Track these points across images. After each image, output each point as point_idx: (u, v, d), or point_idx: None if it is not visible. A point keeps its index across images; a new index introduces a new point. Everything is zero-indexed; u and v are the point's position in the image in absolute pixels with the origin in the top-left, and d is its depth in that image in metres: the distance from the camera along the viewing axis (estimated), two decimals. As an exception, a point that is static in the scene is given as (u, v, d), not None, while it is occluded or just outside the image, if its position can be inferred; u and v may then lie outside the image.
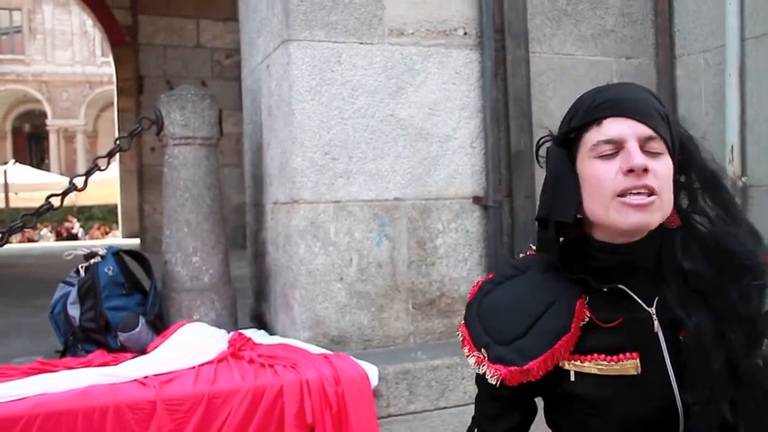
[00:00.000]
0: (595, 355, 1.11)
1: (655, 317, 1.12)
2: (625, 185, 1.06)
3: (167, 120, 3.08)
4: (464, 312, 1.22)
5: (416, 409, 2.66)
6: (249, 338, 2.90)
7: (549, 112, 3.29)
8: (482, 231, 3.11)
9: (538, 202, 1.19)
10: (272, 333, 3.15)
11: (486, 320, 1.16)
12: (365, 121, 2.95)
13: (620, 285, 1.12)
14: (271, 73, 3.15)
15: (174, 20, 9.50)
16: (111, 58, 11.36)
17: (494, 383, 1.13)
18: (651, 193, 1.06)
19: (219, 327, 3.00)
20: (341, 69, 2.93)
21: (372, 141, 2.96)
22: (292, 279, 2.90)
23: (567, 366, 1.12)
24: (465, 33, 3.15)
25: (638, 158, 1.05)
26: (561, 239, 1.17)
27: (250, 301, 3.59)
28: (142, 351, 2.79)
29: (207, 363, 2.59)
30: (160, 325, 2.98)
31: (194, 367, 2.54)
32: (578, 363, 1.11)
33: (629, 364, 1.10)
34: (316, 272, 2.87)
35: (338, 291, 2.90)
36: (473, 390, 2.75)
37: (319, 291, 2.88)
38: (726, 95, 3.17)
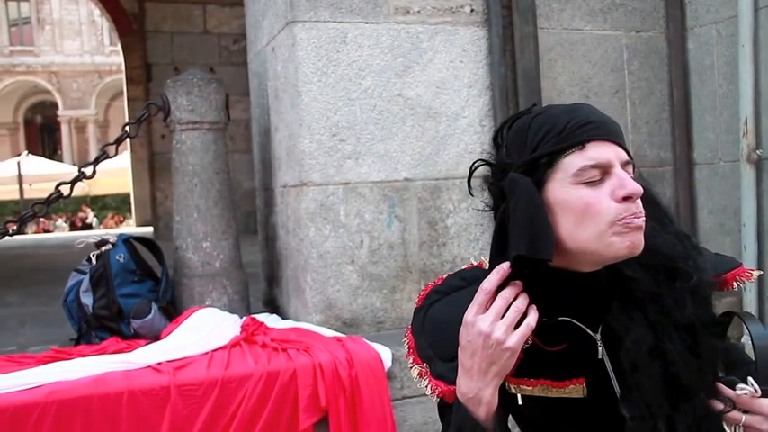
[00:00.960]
0: (542, 379, 1.08)
1: (600, 343, 1.10)
2: (624, 213, 1.01)
3: (174, 105, 3.07)
4: (412, 317, 1.19)
5: (431, 390, 2.65)
6: (262, 323, 2.90)
7: (558, 89, 3.25)
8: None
9: (494, 238, 1.10)
10: (284, 317, 3.15)
11: (430, 333, 1.13)
12: (372, 102, 2.93)
13: (563, 318, 1.09)
14: (276, 55, 3.13)
15: (180, 6, 9.48)
16: (119, 47, 11.35)
17: (434, 399, 1.11)
18: (640, 216, 1.04)
19: (232, 312, 3.00)
20: (347, 50, 2.90)
21: (380, 122, 2.94)
22: (303, 262, 2.89)
23: (513, 390, 1.10)
24: (472, 10, 3.11)
25: (634, 184, 1.02)
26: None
27: (262, 286, 3.59)
28: (155, 337, 2.80)
29: (220, 348, 2.59)
30: (173, 311, 2.99)
31: (208, 352, 2.54)
32: (524, 387, 1.09)
33: (575, 389, 1.09)
34: (327, 254, 2.86)
35: (350, 273, 2.89)
36: (487, 369, 2.73)
37: (331, 273, 2.87)
38: (739, 67, 3.11)
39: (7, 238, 3.08)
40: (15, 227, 3.03)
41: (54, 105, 30.65)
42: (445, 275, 1.22)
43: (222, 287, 3.08)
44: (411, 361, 1.14)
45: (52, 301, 3.77)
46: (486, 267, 1.16)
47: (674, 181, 3.45)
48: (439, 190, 3.02)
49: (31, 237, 13.86)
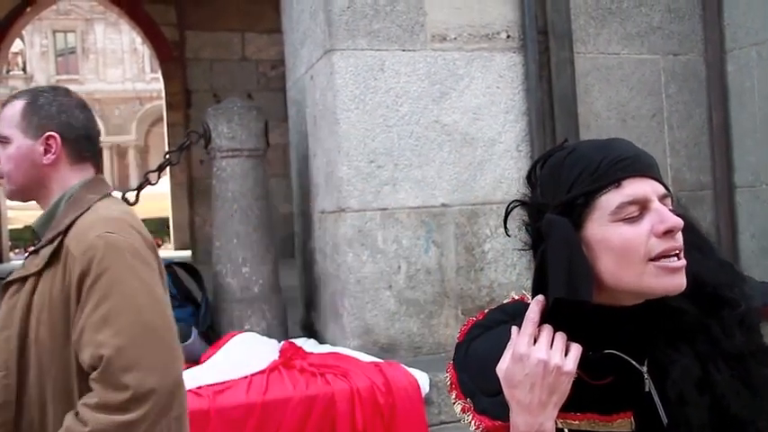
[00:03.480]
0: (588, 414, 1.05)
1: (646, 376, 1.08)
2: (663, 248, 1.00)
3: (215, 133, 3.13)
4: (453, 352, 1.17)
5: (469, 417, 2.64)
6: (300, 347, 2.92)
7: (595, 113, 3.25)
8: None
9: (534, 277, 1.08)
10: (322, 342, 3.17)
11: (473, 368, 1.11)
12: (410, 128, 2.95)
13: (609, 351, 1.07)
14: (315, 83, 3.18)
15: (219, 34, 9.67)
16: (159, 74, 11.61)
17: None
18: (680, 254, 1.02)
19: (270, 336, 3.03)
20: (384, 77, 2.94)
21: (417, 148, 2.96)
22: (341, 287, 2.91)
23: (559, 425, 1.05)
24: (508, 36, 3.13)
25: (673, 218, 1.01)
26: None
27: (300, 311, 3.61)
28: (195, 362, 2.83)
29: (259, 372, 2.61)
30: (212, 336, 3.03)
31: (247, 377, 2.57)
32: (571, 421, 1.06)
33: (623, 424, 1.06)
34: (364, 280, 2.88)
35: (387, 298, 2.90)
36: (526, 396, 2.71)
37: (368, 299, 2.88)
38: (780, 89, 3.08)
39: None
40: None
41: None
42: (486, 310, 1.21)
43: (261, 312, 3.11)
44: (454, 396, 1.13)
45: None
46: (525, 303, 1.17)
47: (715, 205, 3.41)
48: (476, 215, 3.03)
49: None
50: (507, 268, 3.05)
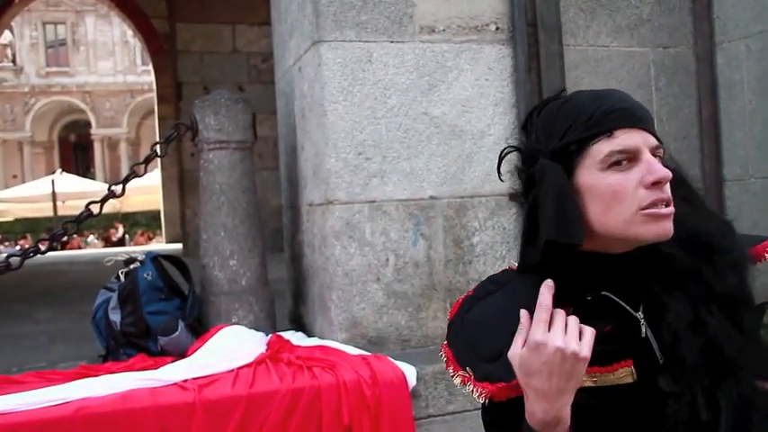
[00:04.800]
0: (589, 368, 1.05)
1: (642, 321, 1.09)
2: (651, 199, 1.03)
3: (202, 125, 3.11)
4: (446, 332, 1.17)
5: (456, 410, 2.64)
6: (287, 340, 2.91)
7: (585, 106, 3.23)
8: (519, 228, 3.06)
9: (524, 223, 1.12)
10: (309, 335, 3.16)
11: (470, 338, 1.11)
12: (398, 120, 2.94)
13: (604, 293, 1.09)
14: (303, 75, 3.16)
15: (210, 26, 9.62)
16: (150, 67, 11.56)
17: (484, 403, 1.08)
18: (669, 203, 1.05)
19: (258, 329, 3.01)
20: (372, 69, 2.92)
21: (406, 140, 2.94)
22: (329, 280, 2.90)
23: None
24: (497, 28, 3.12)
25: (663, 170, 1.04)
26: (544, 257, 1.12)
27: (288, 303, 3.60)
28: (182, 354, 2.82)
29: (245, 365, 2.60)
30: (199, 328, 3.01)
31: (233, 370, 2.56)
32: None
33: (623, 373, 1.07)
34: (352, 273, 2.87)
35: (375, 291, 2.89)
36: (513, 389, 2.71)
37: (356, 291, 2.87)
38: (769, 82, 3.07)
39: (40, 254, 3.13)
40: (47, 245, 3.08)
41: (87, 124, 31.24)
42: (473, 287, 1.21)
43: (248, 305, 3.10)
44: (452, 371, 1.12)
45: (83, 317, 3.82)
46: (513, 271, 1.20)
47: (704, 198, 3.40)
48: (465, 208, 3.02)
49: (64, 253, 14.07)
50: (496, 261, 3.04)
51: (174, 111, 9.77)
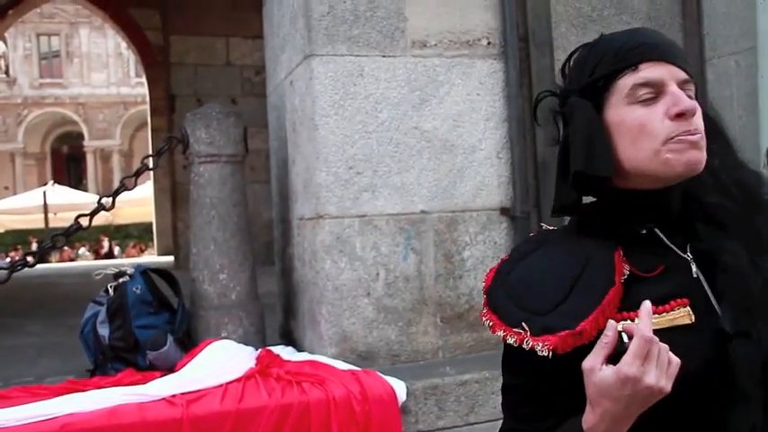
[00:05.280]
0: None
1: (692, 260, 1.08)
2: (677, 130, 1.03)
3: (193, 138, 3.10)
4: (483, 300, 1.13)
5: (446, 425, 2.62)
6: (277, 355, 2.89)
7: (576, 121, 3.24)
8: (510, 243, 3.06)
9: (558, 161, 1.13)
10: (299, 349, 3.14)
11: (518, 296, 1.07)
12: (389, 135, 2.94)
13: (655, 230, 1.09)
14: (294, 89, 3.16)
15: (203, 39, 9.62)
16: (144, 79, 11.56)
17: (545, 355, 1.02)
18: (696, 133, 1.04)
19: (247, 344, 2.99)
20: (363, 83, 2.92)
21: (397, 154, 2.94)
22: (319, 295, 2.89)
23: (619, 327, 1.00)
24: (489, 43, 3.13)
25: (688, 101, 1.03)
26: (583, 198, 1.12)
27: (279, 317, 3.58)
28: (170, 369, 2.79)
29: (234, 380, 2.58)
30: (188, 343, 2.99)
31: (222, 385, 2.54)
32: (627, 321, 1.01)
33: (681, 313, 1.03)
34: (342, 287, 2.85)
35: (365, 306, 2.88)
36: (503, 405, 2.69)
37: (346, 306, 2.85)
38: (759, 98, 3.09)
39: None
40: (35, 258, 3.06)
41: (80, 136, 31.18)
42: (504, 256, 1.18)
43: (238, 319, 3.08)
44: (502, 333, 1.07)
45: (72, 331, 3.79)
46: (550, 229, 1.19)
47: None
48: (455, 222, 3.01)
49: (54, 265, 14.00)
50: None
51: (168, 123, 9.75)
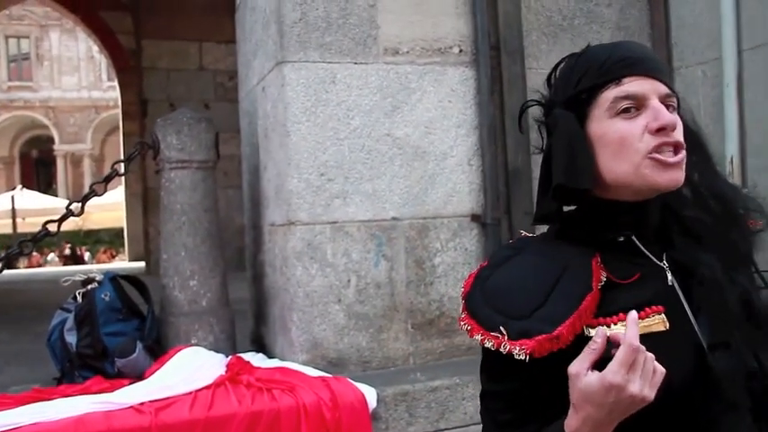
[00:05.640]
0: (621, 314, 1.03)
1: (667, 269, 1.10)
2: (656, 143, 1.04)
3: (164, 144, 3.08)
4: (462, 306, 1.14)
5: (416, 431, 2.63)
6: (247, 362, 2.88)
7: (546, 128, 3.27)
8: (481, 249, 3.08)
9: (541, 172, 1.14)
10: (270, 356, 3.12)
11: (496, 301, 1.08)
12: (361, 141, 2.94)
13: (633, 237, 1.10)
14: (266, 95, 3.15)
15: (176, 43, 9.57)
16: (116, 83, 11.44)
17: (522, 358, 1.02)
18: (678, 149, 1.05)
19: (218, 350, 2.97)
20: (336, 90, 2.92)
21: (369, 161, 2.95)
22: (290, 301, 2.88)
23: (592, 333, 1.03)
24: (460, 51, 3.15)
25: (669, 116, 1.05)
26: (563, 207, 1.14)
27: (251, 324, 3.56)
28: (140, 377, 2.77)
29: (204, 387, 2.56)
30: (158, 350, 2.96)
31: (191, 392, 2.52)
32: (604, 327, 1.03)
33: (656, 320, 1.05)
34: (313, 294, 2.85)
35: (336, 312, 2.87)
36: (474, 410, 2.71)
37: (317, 313, 2.85)
38: (724, 107, 3.15)
39: (-3, 273, 3.06)
40: (2, 264, 3.02)
41: (50, 140, 30.75)
42: (483, 263, 1.19)
43: (209, 325, 3.06)
44: (480, 337, 1.08)
45: (39, 338, 3.73)
46: (528, 236, 1.20)
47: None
48: (426, 229, 3.02)
49: (22, 271, 13.79)
50: (457, 282, 3.04)
51: (140, 127, 9.66)
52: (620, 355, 0.95)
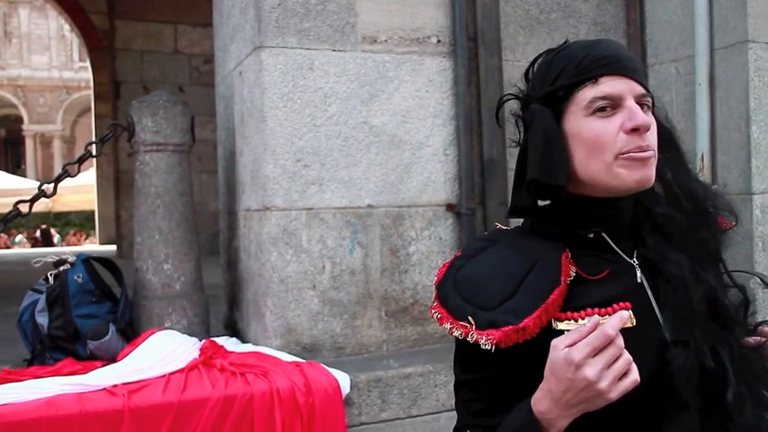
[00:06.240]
0: (588, 309, 1.06)
1: (637, 266, 1.12)
2: (630, 145, 1.06)
3: (139, 126, 3.06)
4: (434, 294, 1.16)
5: (388, 417, 2.66)
6: (221, 346, 2.88)
7: (521, 120, 3.31)
8: (455, 239, 3.11)
9: (517, 166, 1.16)
10: (244, 341, 3.13)
11: (467, 291, 1.11)
12: (338, 129, 2.95)
13: (603, 234, 1.12)
14: (243, 80, 3.14)
15: (151, 25, 9.45)
16: (88, 63, 11.27)
17: (488, 349, 1.05)
18: (650, 149, 1.08)
19: (191, 334, 2.98)
20: (313, 76, 2.93)
21: (345, 149, 2.96)
22: (264, 287, 2.89)
23: (559, 326, 1.06)
24: (438, 41, 3.17)
25: (643, 117, 1.06)
26: (538, 201, 1.16)
27: (224, 308, 3.56)
28: (112, 359, 2.76)
29: (177, 371, 2.57)
30: (131, 333, 2.96)
31: (164, 375, 2.52)
32: (571, 321, 1.06)
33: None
34: (288, 279, 2.86)
35: (311, 298, 2.89)
36: (446, 397, 2.75)
37: (291, 298, 2.86)
38: (696, 104, 3.20)
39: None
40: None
41: (19, 119, 30.20)
42: (458, 252, 1.21)
43: (182, 309, 3.06)
44: (449, 326, 1.10)
45: (8, 319, 3.70)
46: (503, 228, 1.23)
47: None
48: (402, 217, 3.05)
49: (-10, 253, 13.58)
50: (431, 270, 3.08)
51: (112, 109, 9.55)
52: (590, 336, 0.96)
